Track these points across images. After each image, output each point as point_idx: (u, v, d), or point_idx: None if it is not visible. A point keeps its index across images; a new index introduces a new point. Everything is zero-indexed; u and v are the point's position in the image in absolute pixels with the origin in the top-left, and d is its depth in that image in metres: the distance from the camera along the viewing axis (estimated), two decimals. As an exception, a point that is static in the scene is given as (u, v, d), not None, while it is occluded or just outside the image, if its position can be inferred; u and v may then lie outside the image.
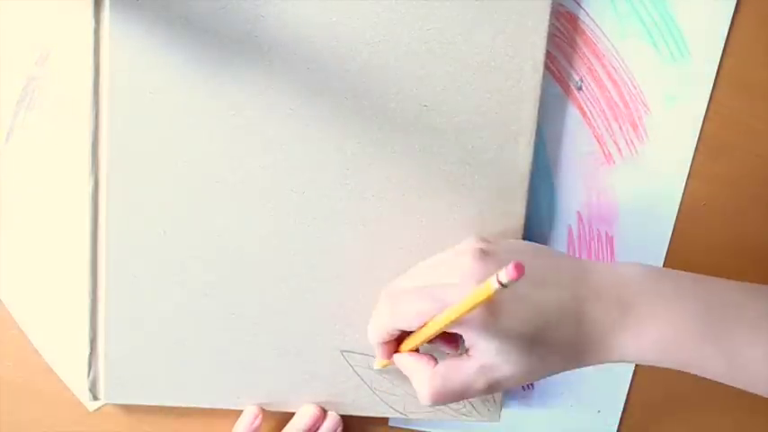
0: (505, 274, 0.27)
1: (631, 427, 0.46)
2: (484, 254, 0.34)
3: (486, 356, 0.34)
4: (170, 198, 0.40)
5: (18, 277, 0.42)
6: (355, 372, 0.42)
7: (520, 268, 0.27)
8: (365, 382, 0.42)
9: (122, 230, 0.40)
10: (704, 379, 0.41)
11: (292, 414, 0.43)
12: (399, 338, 0.37)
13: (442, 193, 0.41)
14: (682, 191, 0.44)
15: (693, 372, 0.35)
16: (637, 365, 0.45)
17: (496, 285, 0.28)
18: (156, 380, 0.41)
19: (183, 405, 0.42)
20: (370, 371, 0.42)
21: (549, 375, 0.35)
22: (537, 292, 0.34)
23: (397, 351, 0.38)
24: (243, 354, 0.41)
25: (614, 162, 0.43)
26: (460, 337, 0.34)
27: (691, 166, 0.43)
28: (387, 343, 0.37)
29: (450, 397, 0.35)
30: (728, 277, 0.43)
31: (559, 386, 0.46)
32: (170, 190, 0.39)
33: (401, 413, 0.43)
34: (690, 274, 0.36)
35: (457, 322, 0.33)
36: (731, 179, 0.44)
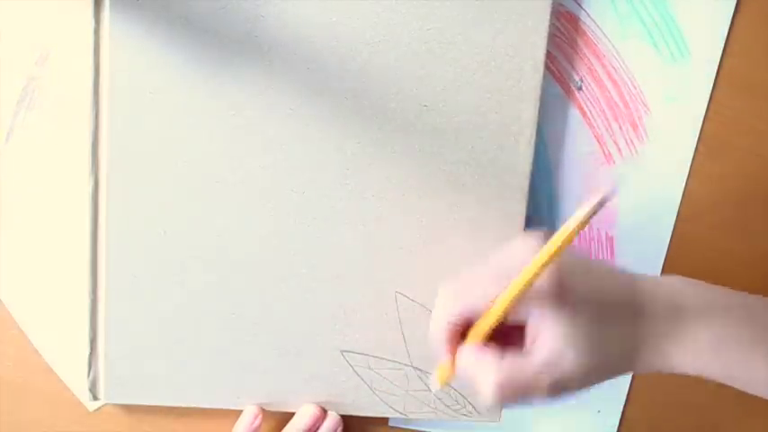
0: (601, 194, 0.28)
1: (631, 427, 0.46)
2: (558, 276, 0.33)
3: (549, 343, 0.33)
4: (170, 198, 0.40)
5: (18, 277, 0.42)
6: (355, 372, 0.42)
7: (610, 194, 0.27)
8: (365, 382, 0.42)
9: (122, 230, 0.40)
10: (703, 379, 0.41)
11: (292, 414, 0.42)
12: (461, 337, 0.35)
13: (442, 193, 0.41)
14: (682, 191, 0.44)
15: (739, 384, 0.36)
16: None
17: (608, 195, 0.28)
18: (156, 380, 0.41)
19: (183, 405, 0.42)
20: (370, 371, 0.42)
21: (607, 378, 0.35)
22: (597, 283, 0.34)
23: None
24: (243, 354, 0.41)
25: (614, 162, 0.43)
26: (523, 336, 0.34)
27: (691, 166, 0.43)
28: (450, 340, 0.35)
29: (515, 392, 0.33)
30: (728, 277, 0.43)
31: (559, 386, 0.46)
32: (170, 190, 0.39)
33: (401, 413, 0.43)
34: (726, 288, 0.37)
35: (525, 296, 0.32)
36: (731, 179, 0.44)
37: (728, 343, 0.35)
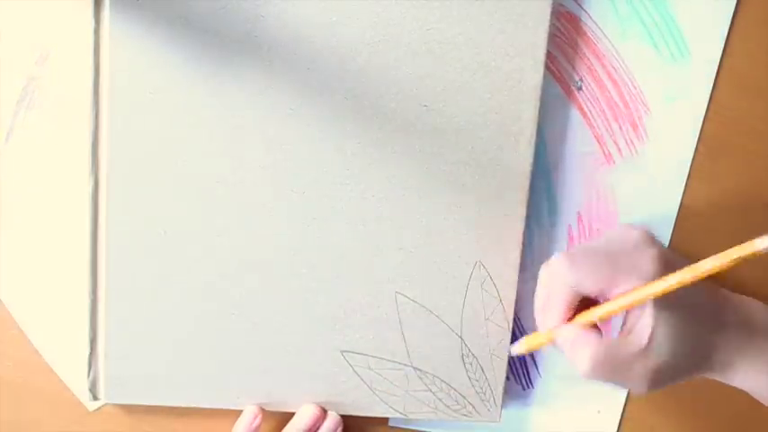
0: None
1: (631, 427, 0.47)
2: (652, 235, 0.36)
3: (648, 330, 0.34)
4: (170, 198, 0.40)
5: (18, 277, 0.42)
6: (355, 372, 0.42)
7: None
8: (365, 382, 0.42)
9: (122, 230, 0.40)
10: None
11: (292, 414, 0.43)
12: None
13: (442, 193, 0.41)
14: (682, 191, 0.44)
15: None
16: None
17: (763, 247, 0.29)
18: (156, 380, 0.41)
19: (183, 405, 0.42)
20: (370, 371, 0.42)
21: (684, 378, 0.36)
22: (692, 285, 0.35)
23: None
24: (243, 354, 0.41)
25: (614, 162, 0.43)
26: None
27: (691, 166, 0.43)
28: (555, 309, 0.37)
29: (613, 371, 0.35)
30: (728, 277, 0.43)
31: (559, 386, 0.46)
32: (170, 190, 0.39)
33: (401, 413, 0.43)
34: None
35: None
36: (731, 179, 0.44)
37: None
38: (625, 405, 0.46)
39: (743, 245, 0.30)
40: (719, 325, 0.36)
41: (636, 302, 0.34)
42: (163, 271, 0.40)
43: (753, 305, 0.39)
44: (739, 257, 0.30)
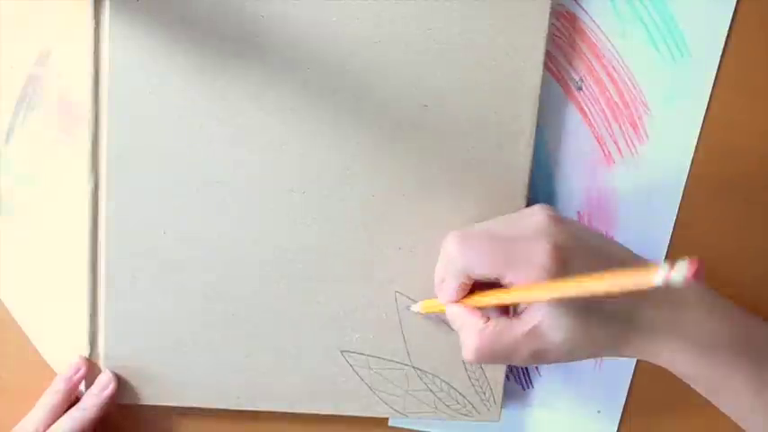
0: (681, 273, 0.24)
1: (631, 427, 0.47)
2: (557, 219, 0.35)
3: (538, 317, 0.34)
4: (170, 198, 0.40)
5: (18, 277, 0.42)
6: (355, 372, 0.42)
7: (700, 269, 0.24)
8: (365, 382, 0.42)
9: (122, 230, 0.40)
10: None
11: (293, 414, 0.43)
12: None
13: (442, 193, 0.41)
14: (682, 191, 0.44)
15: (715, 399, 0.37)
16: (637, 365, 0.45)
17: (660, 281, 0.25)
18: (156, 380, 0.41)
19: (183, 405, 0.42)
20: (370, 371, 0.42)
21: (589, 357, 0.36)
22: (595, 264, 0.34)
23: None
24: (243, 354, 0.41)
25: (614, 162, 0.43)
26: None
27: (691, 166, 0.43)
28: (448, 288, 0.37)
29: (494, 356, 0.35)
30: (728, 277, 0.43)
31: (559, 386, 0.46)
32: (170, 190, 0.39)
33: (401, 413, 0.43)
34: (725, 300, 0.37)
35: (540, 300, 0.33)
36: (731, 179, 0.44)
37: (718, 349, 0.35)
38: (625, 405, 0.46)
39: (640, 273, 0.26)
40: (641, 303, 0.34)
41: (522, 301, 0.34)
42: (163, 271, 0.40)
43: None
44: (632, 287, 0.27)
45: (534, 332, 0.34)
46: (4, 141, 0.41)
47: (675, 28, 0.42)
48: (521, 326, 0.34)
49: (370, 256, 0.41)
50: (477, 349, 0.35)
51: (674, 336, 0.35)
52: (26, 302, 0.42)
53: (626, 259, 0.35)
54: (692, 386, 0.36)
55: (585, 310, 0.34)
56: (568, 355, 0.35)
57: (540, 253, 0.33)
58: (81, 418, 0.40)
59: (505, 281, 0.34)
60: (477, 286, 0.37)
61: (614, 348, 0.35)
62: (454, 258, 0.36)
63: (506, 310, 0.37)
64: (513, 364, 0.36)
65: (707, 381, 0.36)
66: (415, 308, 0.41)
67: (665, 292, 0.34)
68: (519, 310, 0.35)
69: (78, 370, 0.41)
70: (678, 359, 0.35)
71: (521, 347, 0.34)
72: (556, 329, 0.34)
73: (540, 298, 0.34)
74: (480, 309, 0.36)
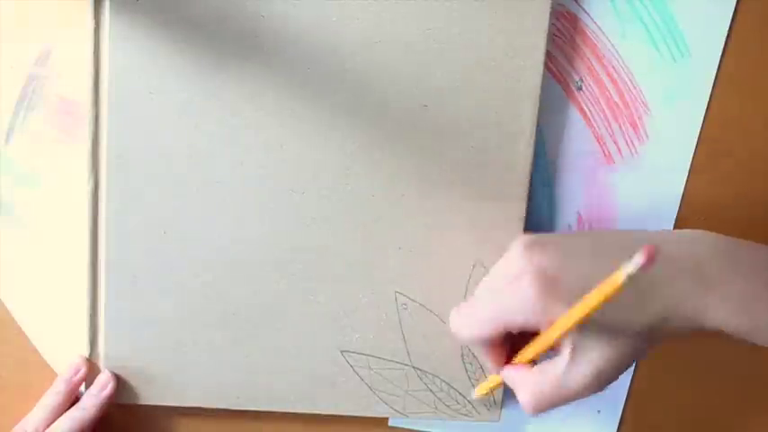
0: (633, 264, 0.26)
1: (631, 427, 0.47)
2: (531, 244, 0.34)
3: (570, 354, 0.33)
4: (170, 198, 0.40)
5: (18, 277, 0.42)
6: (355, 372, 0.42)
7: (651, 255, 0.26)
8: (365, 382, 0.42)
9: (122, 230, 0.40)
10: (704, 379, 0.41)
11: (293, 414, 0.43)
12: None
13: (442, 193, 0.41)
14: (682, 191, 0.44)
15: (760, 340, 0.35)
16: (637, 365, 0.45)
17: (625, 278, 0.27)
18: (156, 380, 0.41)
19: (183, 405, 0.42)
20: (370, 371, 0.42)
21: (643, 352, 0.35)
22: (588, 266, 0.33)
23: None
24: (243, 354, 0.41)
25: (614, 162, 0.43)
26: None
27: (691, 166, 0.43)
28: (483, 358, 0.37)
29: (551, 399, 0.34)
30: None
31: (559, 386, 0.46)
32: (170, 190, 0.39)
33: (401, 413, 0.43)
34: (751, 242, 0.37)
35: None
36: (731, 179, 0.44)
37: (754, 298, 0.34)
38: (625, 405, 0.46)
39: (608, 281, 0.28)
40: (668, 281, 0.34)
41: (544, 348, 0.34)
42: (163, 271, 0.40)
43: (696, 239, 0.36)
44: (611, 294, 0.28)
45: (576, 358, 0.33)
46: (4, 141, 0.41)
47: (675, 28, 0.42)
48: (561, 360, 0.34)
49: (370, 256, 0.41)
50: (530, 401, 0.34)
51: (710, 298, 0.34)
52: (26, 302, 0.42)
53: (623, 245, 0.34)
54: (748, 340, 0.35)
55: (604, 320, 0.33)
56: (625, 361, 0.34)
57: (524, 288, 0.33)
58: (80, 418, 0.40)
59: (513, 328, 0.34)
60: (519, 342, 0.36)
61: (661, 332, 0.34)
62: (457, 333, 0.36)
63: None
64: (576, 398, 0.35)
65: (749, 326, 0.35)
66: (476, 393, 0.42)
67: (685, 264, 0.34)
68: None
69: (78, 371, 0.41)
70: (721, 316, 0.34)
71: (572, 378, 0.34)
72: (596, 346, 0.33)
73: (559, 335, 0.33)
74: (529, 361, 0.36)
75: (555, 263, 0.34)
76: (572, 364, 0.33)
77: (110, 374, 0.41)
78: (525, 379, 0.35)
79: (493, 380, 0.40)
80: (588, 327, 0.33)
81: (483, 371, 0.43)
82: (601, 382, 0.34)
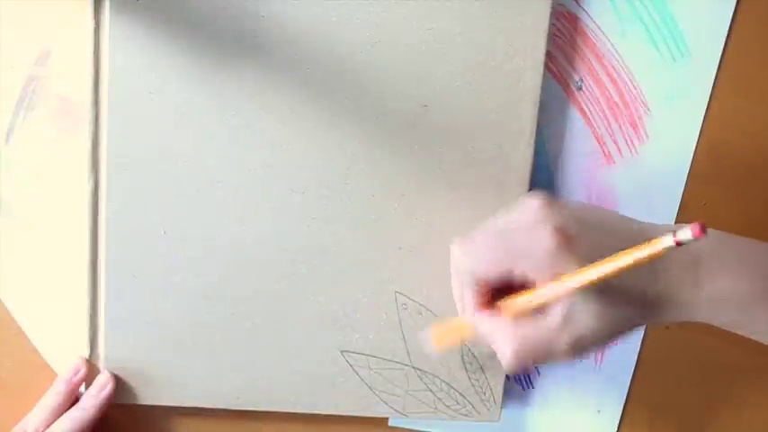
0: (685, 233, 0.27)
1: (631, 427, 0.47)
2: (552, 203, 0.34)
3: (566, 306, 0.33)
4: (170, 198, 0.40)
5: (18, 277, 0.42)
6: (355, 372, 0.42)
7: (701, 229, 0.27)
8: (365, 382, 0.42)
9: (122, 230, 0.40)
10: (703, 379, 0.41)
11: (293, 414, 0.43)
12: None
13: (442, 193, 0.41)
14: (682, 191, 0.44)
15: (748, 332, 0.36)
16: (637, 365, 0.45)
17: (671, 243, 0.28)
18: (156, 380, 0.41)
19: (183, 405, 0.42)
20: (370, 371, 0.42)
21: (628, 331, 0.35)
22: (606, 240, 0.33)
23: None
24: (243, 354, 0.41)
25: (614, 162, 0.43)
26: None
27: (691, 166, 0.43)
28: (467, 299, 0.36)
29: (536, 355, 0.34)
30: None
31: (559, 386, 0.46)
32: (170, 190, 0.39)
33: (401, 413, 0.43)
34: (745, 238, 0.37)
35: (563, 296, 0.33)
36: (731, 179, 0.44)
37: (750, 291, 0.35)
38: (625, 405, 0.46)
39: (650, 244, 0.29)
40: (665, 265, 0.34)
41: (544, 300, 0.33)
42: (163, 271, 0.40)
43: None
44: (651, 254, 0.29)
45: (567, 321, 0.33)
46: (4, 141, 0.41)
47: (675, 28, 0.42)
48: (552, 319, 0.33)
49: (370, 256, 0.41)
50: (516, 352, 0.33)
51: (704, 289, 0.34)
52: (26, 302, 0.42)
53: (628, 228, 0.35)
54: (738, 332, 0.36)
55: (609, 288, 0.33)
56: (609, 336, 0.34)
57: (543, 237, 0.33)
58: (80, 418, 0.40)
59: (515, 273, 0.34)
60: (496, 297, 0.36)
61: (648, 319, 0.35)
62: (460, 265, 0.35)
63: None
64: (555, 361, 0.34)
65: (750, 322, 0.35)
66: (428, 342, 0.40)
67: (682, 254, 0.34)
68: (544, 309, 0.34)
69: (78, 371, 0.41)
70: (715, 310, 0.35)
71: (558, 340, 0.33)
72: (586, 314, 0.33)
73: (560, 292, 0.33)
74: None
75: (573, 225, 0.34)
76: (563, 326, 0.33)
77: (109, 375, 0.41)
78: (508, 330, 0.34)
79: (459, 327, 0.38)
80: (588, 294, 0.33)
81: (482, 371, 0.43)
82: (584, 350, 0.34)
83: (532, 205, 0.35)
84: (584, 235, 0.33)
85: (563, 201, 0.36)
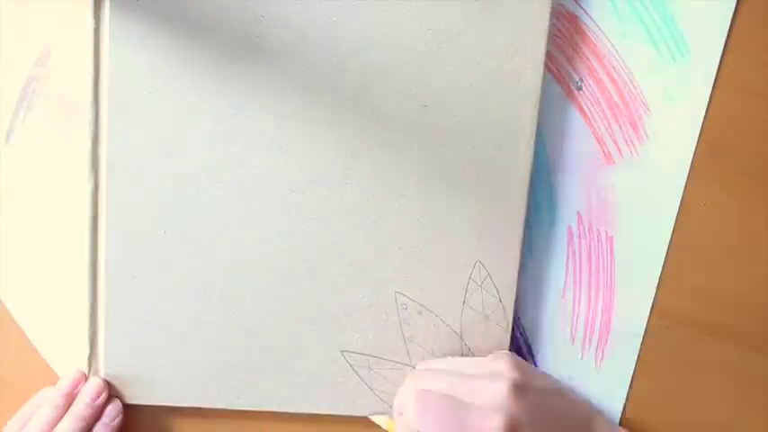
0: None
1: (631, 427, 0.46)
2: (518, 389, 0.37)
3: None
4: (170, 198, 0.40)
5: (18, 277, 0.42)
6: (355, 372, 0.42)
7: None
8: (365, 382, 0.42)
9: (122, 230, 0.40)
10: (703, 379, 0.41)
11: (293, 414, 0.43)
12: None
13: (442, 193, 0.41)
14: (682, 191, 0.44)
15: None
16: (637, 365, 0.45)
17: None
18: (156, 380, 0.41)
19: (184, 405, 0.42)
20: (370, 371, 0.42)
21: None
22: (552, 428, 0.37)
23: None
24: (243, 354, 0.41)
25: (614, 162, 0.43)
26: None
27: (691, 166, 0.43)
28: None
29: None
30: (729, 276, 0.43)
31: (559, 386, 0.46)
32: (170, 190, 0.39)
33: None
34: None
35: None
36: (731, 179, 0.44)
37: None
38: (625, 405, 0.46)
39: None
40: None
41: None
42: (163, 271, 0.40)
43: None
44: None
45: None
46: (4, 141, 0.41)
47: (675, 28, 0.42)
48: None
49: (370, 256, 0.41)
50: None
51: None
52: (26, 302, 0.42)
53: (578, 417, 0.39)
54: None
55: None
56: None
57: (494, 429, 0.36)
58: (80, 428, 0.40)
59: None
60: None
61: None
62: (410, 421, 0.38)
63: None
64: None
65: None
66: (380, 420, 0.42)
67: None
68: None
69: (78, 384, 0.41)
70: None
71: None
72: None
73: None
74: None
75: (525, 417, 0.37)
76: None
77: (120, 406, 0.41)
78: None
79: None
80: None
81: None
82: None
83: (498, 387, 0.37)
84: (532, 427, 0.37)
85: (530, 383, 0.38)
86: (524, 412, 0.37)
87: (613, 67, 0.42)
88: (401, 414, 0.39)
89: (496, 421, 0.36)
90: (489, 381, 0.38)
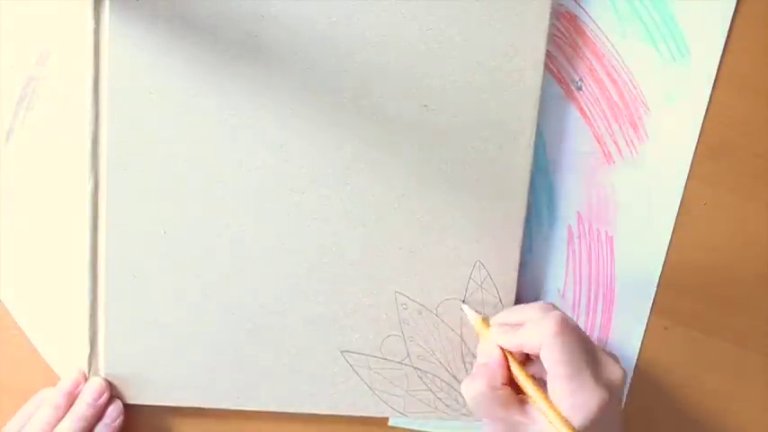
0: None
1: (631, 427, 0.46)
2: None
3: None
4: (170, 198, 0.40)
5: (18, 277, 0.42)
6: (355, 372, 0.42)
7: None
8: (365, 382, 0.42)
9: (122, 230, 0.40)
10: (703, 379, 0.41)
11: (293, 414, 0.43)
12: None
13: (442, 193, 0.41)
14: (682, 191, 0.44)
15: None
16: (637, 365, 0.45)
17: None
18: (156, 380, 0.41)
19: (184, 405, 0.42)
20: (370, 371, 0.42)
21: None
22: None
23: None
24: (243, 354, 0.41)
25: (614, 162, 0.43)
26: None
27: (691, 166, 0.43)
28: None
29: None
30: (729, 277, 0.43)
31: (559, 386, 0.46)
32: (170, 190, 0.39)
33: (401, 413, 0.43)
34: None
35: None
36: (731, 179, 0.44)
37: None
38: (625, 405, 0.46)
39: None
40: None
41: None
42: (163, 271, 0.40)
43: None
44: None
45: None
46: (4, 141, 0.41)
47: (675, 28, 0.42)
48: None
49: (370, 256, 0.41)
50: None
51: None
52: (26, 302, 0.42)
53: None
54: None
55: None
56: None
57: (622, 377, 0.36)
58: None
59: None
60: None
61: None
62: (537, 334, 0.37)
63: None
64: None
65: None
66: (470, 314, 0.42)
67: None
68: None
69: (78, 385, 0.41)
70: None
71: None
72: None
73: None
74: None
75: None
76: None
77: (121, 407, 0.41)
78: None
79: (484, 331, 0.41)
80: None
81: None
82: None
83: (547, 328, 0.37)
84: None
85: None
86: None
87: (613, 66, 0.42)
88: (522, 325, 0.38)
89: (623, 372, 0.36)
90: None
